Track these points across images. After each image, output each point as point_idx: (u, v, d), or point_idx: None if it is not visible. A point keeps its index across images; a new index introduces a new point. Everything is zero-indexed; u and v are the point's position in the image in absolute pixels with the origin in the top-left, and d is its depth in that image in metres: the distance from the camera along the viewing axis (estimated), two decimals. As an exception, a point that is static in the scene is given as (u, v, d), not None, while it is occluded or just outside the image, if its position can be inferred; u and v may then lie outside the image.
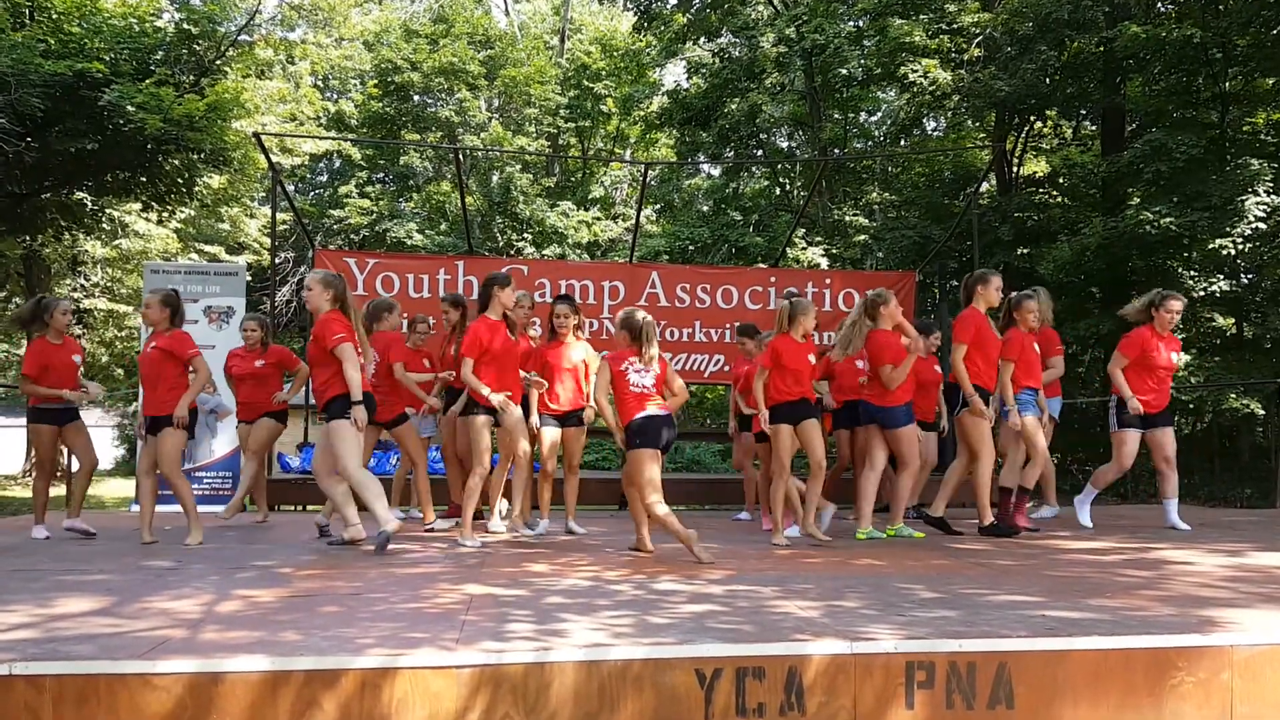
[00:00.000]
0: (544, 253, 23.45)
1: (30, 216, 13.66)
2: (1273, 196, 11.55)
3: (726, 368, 9.52)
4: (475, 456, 5.53)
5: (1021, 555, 5.10)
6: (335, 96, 27.04)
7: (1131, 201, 13.14)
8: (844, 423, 6.98)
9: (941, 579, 4.18)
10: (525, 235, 24.37)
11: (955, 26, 14.64)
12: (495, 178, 25.45)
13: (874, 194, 19.06)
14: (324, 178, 28.73)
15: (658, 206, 25.63)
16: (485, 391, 5.41)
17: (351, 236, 25.14)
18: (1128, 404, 6.18)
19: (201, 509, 6.03)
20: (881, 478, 6.02)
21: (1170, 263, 12.76)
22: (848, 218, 17.29)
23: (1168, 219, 11.46)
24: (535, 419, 6.06)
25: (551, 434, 6.10)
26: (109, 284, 19.83)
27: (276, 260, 14.39)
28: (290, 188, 24.52)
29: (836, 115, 19.57)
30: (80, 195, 14.03)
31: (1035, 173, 17.67)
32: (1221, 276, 12.57)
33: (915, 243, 14.66)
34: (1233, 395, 12.02)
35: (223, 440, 8.61)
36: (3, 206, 12.78)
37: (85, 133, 11.27)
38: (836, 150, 18.47)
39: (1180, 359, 6.39)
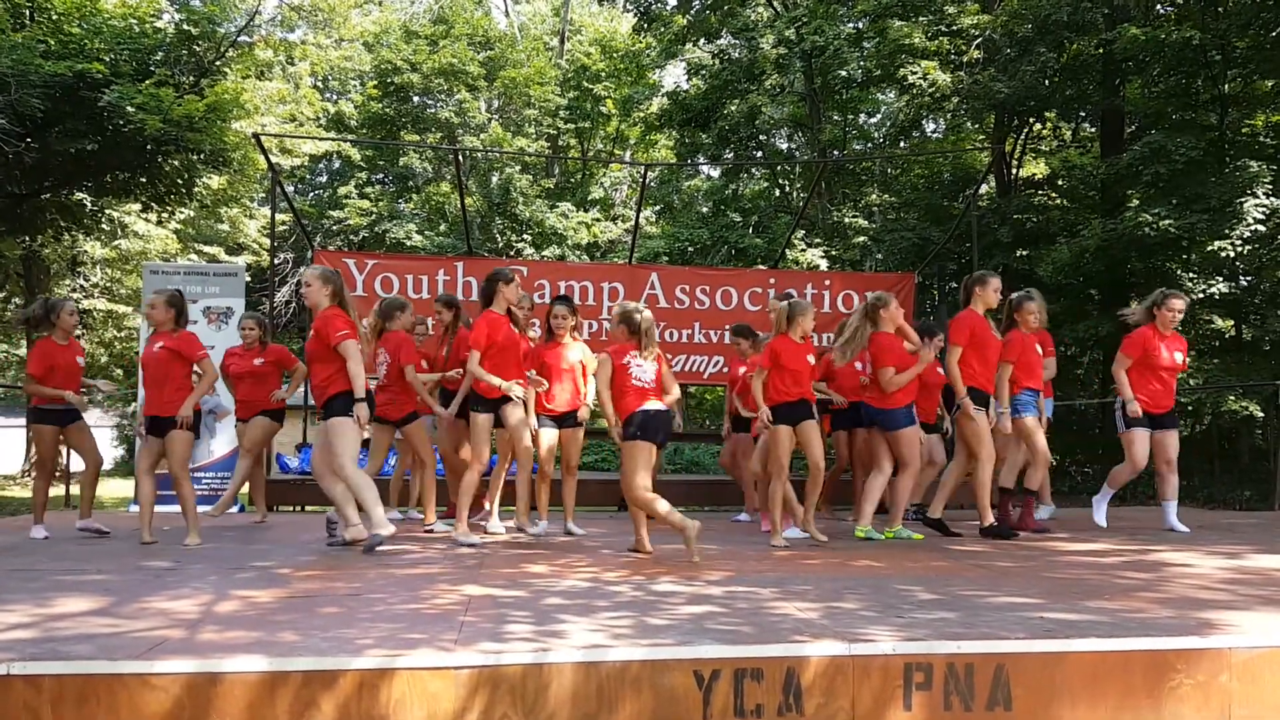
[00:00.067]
0: (543, 254, 23.45)
1: (30, 217, 13.66)
2: (1271, 199, 11.54)
3: (726, 369, 9.52)
4: (474, 453, 5.54)
5: (1020, 557, 5.10)
6: (335, 97, 27.07)
7: (1130, 203, 13.14)
8: (843, 424, 6.98)
9: (940, 580, 4.18)
10: (525, 236, 24.39)
11: (955, 28, 14.66)
12: (495, 179, 25.47)
13: (873, 195, 19.08)
14: (323, 178, 28.76)
15: (657, 208, 25.63)
16: (496, 381, 5.41)
17: (351, 237, 25.13)
18: (1126, 406, 6.19)
19: (199, 509, 6.02)
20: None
21: (1169, 265, 12.77)
22: (847, 219, 17.30)
23: (1167, 221, 11.45)
24: (533, 420, 6.06)
25: (549, 435, 6.09)
26: (108, 284, 19.85)
27: (276, 261, 14.40)
28: (290, 188, 24.54)
29: (836, 117, 19.59)
30: (80, 196, 14.02)
31: (1034, 175, 17.68)
32: (1220, 279, 12.58)
33: (914, 244, 14.67)
34: (1232, 397, 12.02)
35: (222, 440, 8.62)
36: (3, 207, 12.79)
37: (85, 133, 11.26)
38: (836, 152, 18.47)
39: (1185, 359, 6.38)
